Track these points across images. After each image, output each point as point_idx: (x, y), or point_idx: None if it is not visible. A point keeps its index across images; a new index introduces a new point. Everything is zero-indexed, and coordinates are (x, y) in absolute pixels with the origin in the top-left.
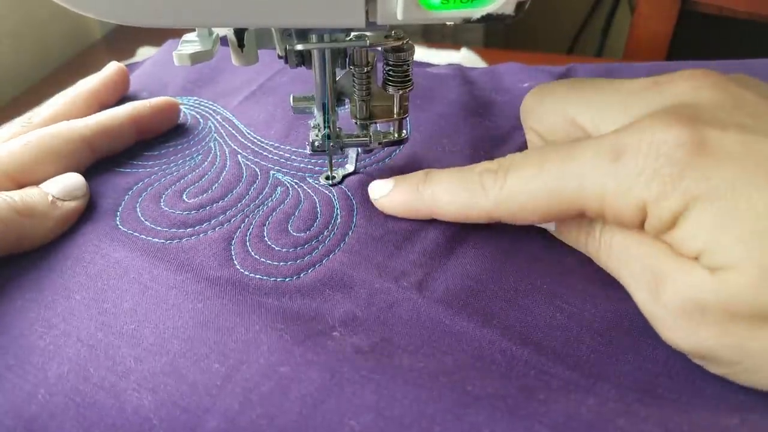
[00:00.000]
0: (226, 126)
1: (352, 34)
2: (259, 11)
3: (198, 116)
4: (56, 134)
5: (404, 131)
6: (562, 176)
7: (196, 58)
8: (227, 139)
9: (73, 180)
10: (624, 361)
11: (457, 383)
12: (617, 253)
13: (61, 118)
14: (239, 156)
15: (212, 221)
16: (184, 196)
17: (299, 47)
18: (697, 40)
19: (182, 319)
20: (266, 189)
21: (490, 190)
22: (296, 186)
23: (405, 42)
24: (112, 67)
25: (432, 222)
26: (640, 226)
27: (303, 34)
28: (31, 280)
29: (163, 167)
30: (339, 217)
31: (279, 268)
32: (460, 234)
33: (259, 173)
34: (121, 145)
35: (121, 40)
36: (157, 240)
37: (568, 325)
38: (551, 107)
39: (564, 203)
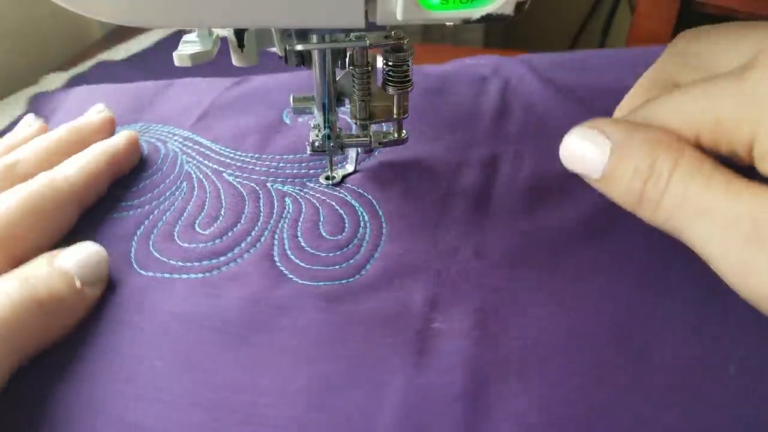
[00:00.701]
0: (191, 146)
1: (352, 34)
2: (259, 11)
3: (155, 142)
4: (44, 194)
5: (404, 131)
6: (697, 99)
7: (196, 58)
8: (202, 159)
9: (97, 256)
10: None
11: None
12: (693, 203)
13: (47, 168)
14: (225, 174)
15: (242, 244)
16: (197, 228)
17: (299, 47)
18: None
19: (297, 340)
20: (275, 203)
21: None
22: (302, 194)
23: (405, 42)
24: (101, 116)
25: (452, 199)
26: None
27: (303, 34)
28: (84, 360)
29: (154, 203)
30: (364, 213)
31: (337, 270)
32: (481, 209)
33: (257, 188)
34: (101, 193)
35: (121, 40)
36: (195, 275)
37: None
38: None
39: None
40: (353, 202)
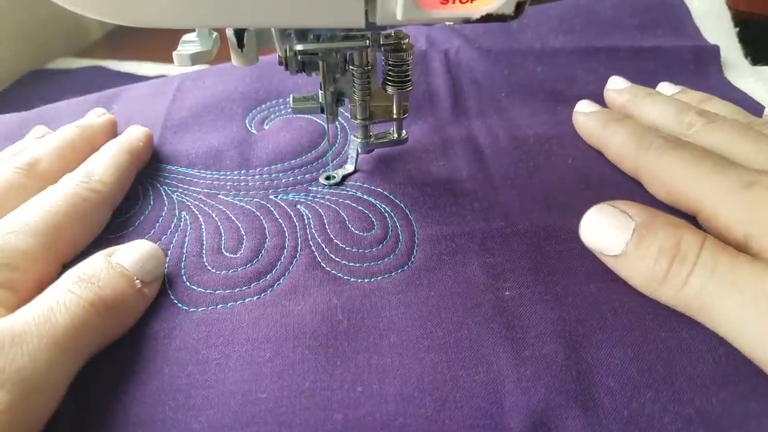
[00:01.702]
0: (168, 175)
1: (352, 34)
2: (259, 11)
3: None
4: (84, 196)
5: (404, 131)
6: (707, 178)
7: (196, 58)
8: (188, 186)
9: (154, 253)
10: None
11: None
12: (723, 278)
13: (65, 168)
14: (221, 196)
15: (282, 259)
16: (226, 253)
17: (299, 47)
18: None
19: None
20: (291, 213)
21: (649, 152)
22: (313, 199)
23: (405, 42)
24: (104, 118)
25: (457, 175)
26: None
27: (303, 35)
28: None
29: (164, 239)
30: (384, 206)
31: (388, 263)
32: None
33: (264, 203)
34: (126, 191)
35: (121, 40)
36: (250, 299)
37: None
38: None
39: (691, 197)
40: (368, 197)
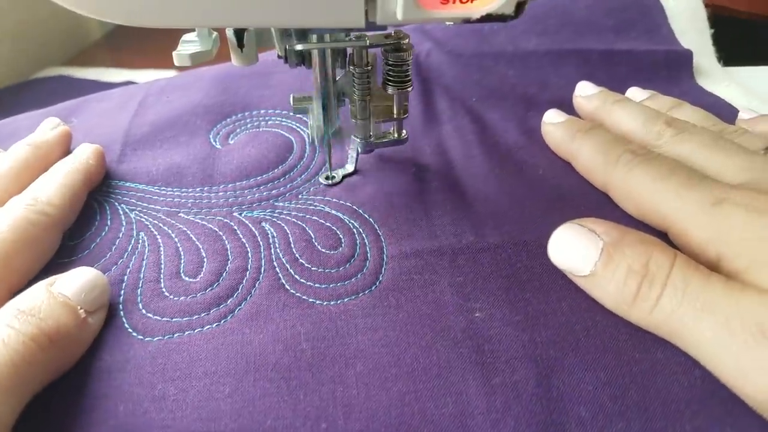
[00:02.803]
0: (127, 192)
1: (352, 34)
2: (259, 11)
3: None
4: (32, 220)
5: (404, 131)
6: (675, 194)
7: (196, 58)
8: (147, 205)
9: (96, 281)
10: None
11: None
12: (695, 300)
13: (21, 190)
14: (182, 214)
15: (244, 282)
16: (185, 277)
17: (299, 47)
18: None
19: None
20: (255, 231)
21: (617, 167)
22: (278, 216)
23: (405, 42)
24: (58, 131)
25: (427, 187)
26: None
27: (303, 34)
28: None
29: (120, 263)
30: (352, 221)
31: (356, 283)
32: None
33: (227, 221)
34: (77, 213)
35: (121, 40)
36: (209, 326)
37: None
38: None
39: (660, 214)
40: (336, 212)
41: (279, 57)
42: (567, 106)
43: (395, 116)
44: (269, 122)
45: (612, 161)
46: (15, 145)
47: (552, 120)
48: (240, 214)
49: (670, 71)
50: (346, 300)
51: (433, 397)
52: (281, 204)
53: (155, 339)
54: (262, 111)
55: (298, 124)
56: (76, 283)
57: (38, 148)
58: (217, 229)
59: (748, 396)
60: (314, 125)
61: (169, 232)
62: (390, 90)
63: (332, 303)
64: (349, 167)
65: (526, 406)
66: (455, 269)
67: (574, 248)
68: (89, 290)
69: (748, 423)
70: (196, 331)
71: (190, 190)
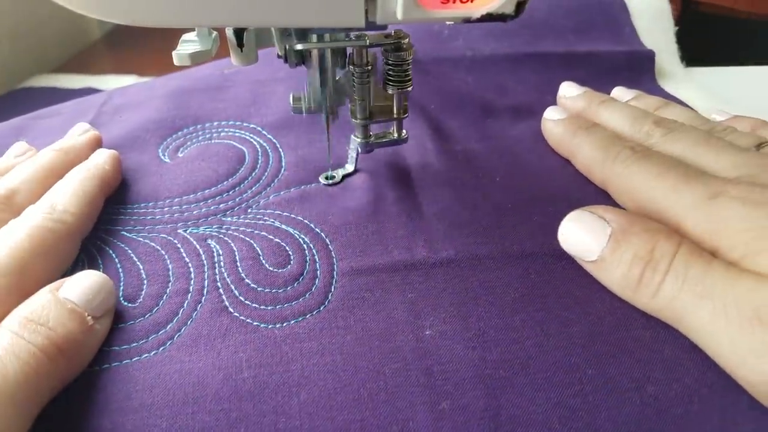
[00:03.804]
0: None
1: (352, 33)
2: (259, 11)
3: None
4: (50, 229)
5: (404, 131)
6: (673, 189)
7: (195, 57)
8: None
9: (103, 285)
10: None
11: None
12: (695, 286)
13: (40, 194)
14: (124, 233)
15: (185, 305)
16: (123, 302)
17: (299, 47)
18: (697, 40)
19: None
20: (200, 249)
21: (616, 163)
22: (225, 232)
23: (405, 42)
24: (87, 136)
25: (379, 199)
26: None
27: (303, 34)
28: None
29: None
30: (303, 236)
31: (303, 304)
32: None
33: (171, 239)
34: (95, 220)
35: (121, 40)
36: (146, 355)
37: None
38: None
39: (658, 209)
40: (286, 227)
41: (279, 57)
42: (525, 112)
43: (395, 116)
44: (222, 134)
45: (611, 157)
46: (43, 150)
47: (552, 117)
48: (185, 231)
49: (631, 73)
50: (292, 322)
51: (379, 425)
52: (229, 219)
53: (94, 368)
54: (215, 123)
55: (251, 135)
56: (82, 287)
57: (66, 154)
58: (159, 248)
59: (744, 380)
60: (311, 92)
61: (110, 251)
62: (390, 90)
63: (278, 326)
64: (349, 167)
65: None
66: (407, 286)
67: (582, 234)
68: (95, 294)
69: None
70: (133, 360)
71: (135, 206)
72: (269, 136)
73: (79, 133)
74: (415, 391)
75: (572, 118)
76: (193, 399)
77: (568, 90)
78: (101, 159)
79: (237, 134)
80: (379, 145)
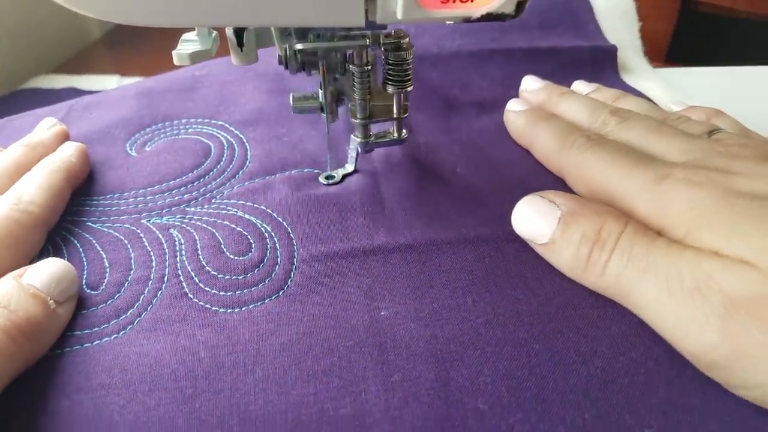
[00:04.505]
0: None
1: (352, 34)
2: (259, 11)
3: None
4: (15, 219)
5: (404, 131)
6: (624, 174)
7: (195, 57)
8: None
9: (65, 272)
10: None
11: None
12: (638, 263)
13: (5, 190)
14: (89, 223)
15: (145, 292)
16: (86, 289)
17: (299, 47)
18: (697, 40)
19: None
20: (162, 238)
21: (571, 151)
22: (188, 221)
23: (405, 41)
24: (54, 130)
25: (341, 188)
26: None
27: (303, 34)
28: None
29: None
30: (264, 224)
31: (263, 289)
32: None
33: (134, 228)
34: (61, 212)
35: (121, 40)
36: (107, 338)
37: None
38: None
39: (609, 194)
40: (248, 216)
41: (279, 63)
42: (489, 106)
43: (395, 116)
44: (189, 130)
45: (567, 146)
46: (11, 146)
47: (515, 108)
48: (148, 221)
49: (594, 67)
50: (251, 306)
51: (331, 397)
52: (192, 209)
53: (55, 352)
54: (183, 120)
55: (218, 131)
56: (45, 274)
57: (33, 149)
58: (122, 237)
59: (687, 351)
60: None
61: (75, 241)
62: (390, 89)
63: (236, 310)
64: (349, 167)
65: (425, 401)
66: (365, 271)
67: (534, 218)
68: (58, 281)
69: (646, 410)
70: (94, 343)
71: (100, 198)
72: (236, 131)
73: (47, 128)
74: (367, 366)
75: (533, 109)
76: (150, 378)
77: (530, 83)
78: (68, 152)
79: (204, 130)
80: (379, 145)
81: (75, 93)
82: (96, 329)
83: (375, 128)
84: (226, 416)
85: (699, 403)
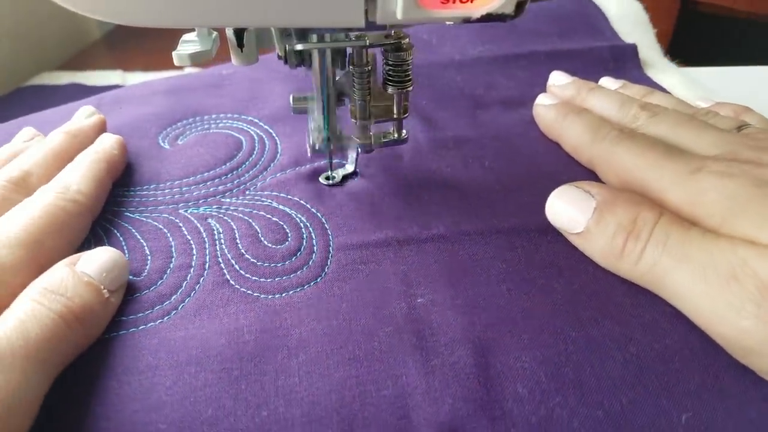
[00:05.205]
0: None
1: (352, 34)
2: (259, 11)
3: None
4: (63, 207)
5: (404, 131)
6: (656, 165)
7: (195, 58)
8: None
9: (117, 260)
10: None
11: None
12: (674, 251)
13: (51, 176)
14: (127, 213)
15: (188, 278)
16: (129, 276)
17: (299, 47)
18: (697, 40)
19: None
20: (200, 227)
21: (603, 143)
22: (224, 212)
23: (405, 42)
24: (93, 119)
25: (372, 181)
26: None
27: (303, 34)
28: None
29: None
30: (298, 214)
31: (301, 276)
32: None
33: (173, 218)
34: (103, 202)
35: (121, 40)
36: (152, 323)
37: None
38: None
39: (641, 184)
40: (283, 207)
41: (279, 58)
42: (515, 103)
43: (395, 116)
44: (220, 125)
45: (600, 138)
46: (51, 133)
47: (544, 102)
48: (186, 211)
49: (617, 64)
50: (291, 293)
51: (373, 380)
52: (228, 200)
53: (102, 336)
54: (213, 115)
55: (248, 126)
56: (98, 262)
57: (74, 137)
58: (162, 227)
59: (723, 337)
60: (315, 129)
61: (114, 231)
62: (390, 90)
63: (277, 296)
64: (349, 167)
65: (464, 384)
66: (399, 259)
67: (568, 208)
68: (110, 269)
69: (683, 395)
70: (140, 328)
71: (137, 188)
72: (266, 126)
73: (86, 116)
74: (407, 351)
75: (563, 103)
76: (196, 360)
77: (558, 78)
78: (109, 143)
79: (234, 125)
80: (379, 145)
81: (79, 89)
82: (141, 314)
83: (375, 128)
84: (272, 398)
85: (736, 390)
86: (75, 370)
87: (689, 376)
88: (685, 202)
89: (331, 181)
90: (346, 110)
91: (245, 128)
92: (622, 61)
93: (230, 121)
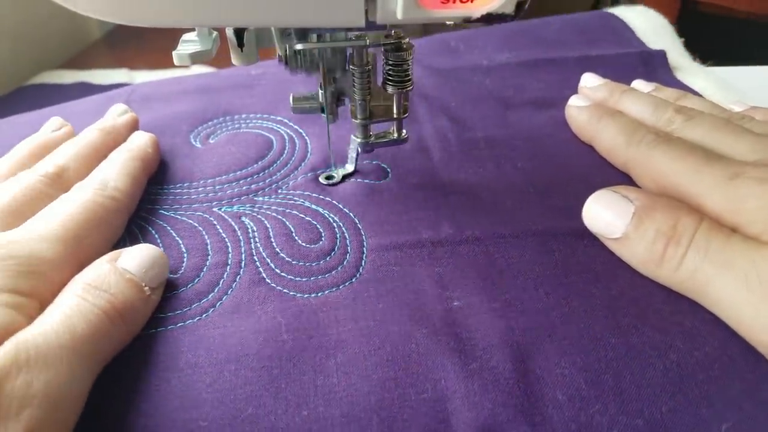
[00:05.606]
0: None
1: (352, 34)
2: (259, 11)
3: None
4: (101, 204)
5: (404, 131)
6: (694, 170)
7: (195, 58)
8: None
9: (157, 258)
10: None
11: None
12: (716, 258)
13: (87, 171)
14: (162, 211)
15: (225, 276)
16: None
17: (299, 47)
18: (697, 40)
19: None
20: (235, 226)
21: (640, 146)
22: (258, 210)
23: (405, 41)
24: (126, 117)
25: (404, 183)
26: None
27: (303, 34)
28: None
29: None
30: (332, 215)
31: (335, 276)
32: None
33: (207, 216)
34: (138, 199)
35: (121, 40)
36: (191, 321)
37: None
38: None
39: (679, 189)
40: (316, 207)
41: (279, 61)
42: (546, 105)
43: (395, 116)
44: (250, 124)
45: (635, 141)
46: (86, 129)
47: (577, 103)
48: (219, 209)
49: (647, 68)
50: (326, 292)
51: (412, 383)
52: (261, 199)
53: (142, 332)
54: (243, 115)
55: (278, 126)
56: (139, 259)
57: (108, 134)
58: (197, 225)
59: (765, 344)
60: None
61: (150, 228)
62: (390, 90)
63: (313, 295)
64: (349, 167)
65: (504, 389)
66: (434, 261)
67: (606, 213)
68: (151, 266)
69: (723, 405)
70: (178, 325)
71: (171, 186)
72: (295, 126)
73: (119, 114)
74: (445, 354)
75: (597, 105)
76: (235, 358)
77: (590, 80)
78: (143, 141)
79: (264, 125)
80: (379, 145)
81: (85, 87)
82: (179, 312)
83: (374, 128)
84: (311, 397)
85: None
86: (116, 366)
87: (730, 385)
88: (725, 208)
89: (331, 181)
90: (346, 110)
91: (275, 128)
92: (652, 66)
93: (260, 121)
